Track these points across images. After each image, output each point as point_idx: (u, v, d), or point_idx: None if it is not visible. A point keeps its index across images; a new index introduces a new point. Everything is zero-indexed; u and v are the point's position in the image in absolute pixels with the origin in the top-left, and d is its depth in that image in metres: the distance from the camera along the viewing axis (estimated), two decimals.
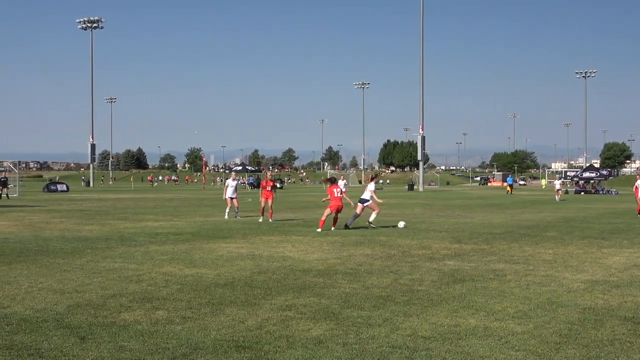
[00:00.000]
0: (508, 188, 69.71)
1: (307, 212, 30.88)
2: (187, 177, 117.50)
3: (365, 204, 21.67)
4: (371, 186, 22.41)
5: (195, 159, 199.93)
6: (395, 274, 11.31)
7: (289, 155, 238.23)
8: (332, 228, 20.30)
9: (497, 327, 7.47)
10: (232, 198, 26.46)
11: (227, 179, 28.13)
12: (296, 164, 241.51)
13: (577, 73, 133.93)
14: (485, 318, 7.91)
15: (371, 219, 21.73)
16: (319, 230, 19.78)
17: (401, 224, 21.95)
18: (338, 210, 20.68)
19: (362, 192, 22.32)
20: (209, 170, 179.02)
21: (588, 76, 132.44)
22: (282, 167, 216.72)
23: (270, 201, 23.80)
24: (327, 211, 20.64)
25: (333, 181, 21.97)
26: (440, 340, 6.87)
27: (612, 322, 7.73)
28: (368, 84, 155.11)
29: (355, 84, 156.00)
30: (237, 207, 26.52)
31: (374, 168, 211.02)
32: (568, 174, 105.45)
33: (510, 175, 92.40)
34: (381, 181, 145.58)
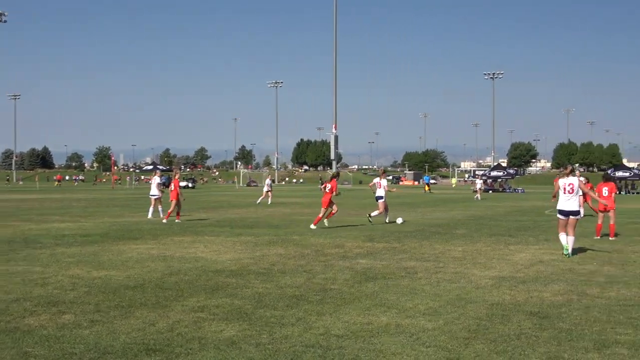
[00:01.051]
0: (426, 187, 71.39)
1: (220, 212, 30.67)
2: (114, 177, 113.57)
3: (380, 200, 23.61)
4: (384, 182, 24.09)
5: (103, 158, 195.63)
6: (308, 273, 11.37)
7: (201, 154, 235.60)
8: (322, 222, 21.14)
9: (409, 324, 7.61)
10: (155, 197, 26.13)
11: (156, 176, 27.51)
12: (208, 163, 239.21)
13: (485, 74, 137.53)
14: (396, 315, 8.04)
15: (373, 213, 23.49)
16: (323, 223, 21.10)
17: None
18: (323, 205, 21.43)
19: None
20: (118, 169, 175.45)
21: (496, 77, 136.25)
22: (194, 166, 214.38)
23: (176, 201, 23.65)
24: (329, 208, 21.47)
25: (334, 176, 22.59)
26: (353, 339, 6.94)
27: (519, 317, 7.99)
28: (281, 82, 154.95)
29: (269, 83, 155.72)
30: (153, 207, 26.14)
31: (287, 167, 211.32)
32: (477, 172, 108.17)
33: (426, 174, 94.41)
34: (294, 180, 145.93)
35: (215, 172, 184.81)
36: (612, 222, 18.15)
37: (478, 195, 51.40)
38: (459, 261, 13.13)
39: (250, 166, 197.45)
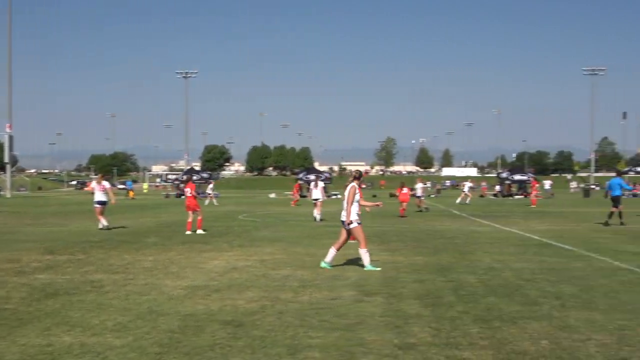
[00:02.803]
0: (130, 193, 71.25)
1: None
2: None
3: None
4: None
5: None
6: None
7: None
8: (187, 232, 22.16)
9: (95, 342, 7.44)
10: None
11: None
12: None
13: (177, 73, 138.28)
14: (81, 334, 7.83)
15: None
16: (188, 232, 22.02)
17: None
18: (188, 209, 22.77)
19: None
20: None
21: (189, 76, 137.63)
22: None
23: None
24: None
25: (188, 180, 24.45)
26: None
27: (213, 327, 8.20)
28: None
29: None
30: None
31: None
32: (169, 177, 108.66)
33: (129, 179, 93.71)
34: None
35: None
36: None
37: (213, 200, 51.96)
38: (150, 271, 13.10)
39: None
